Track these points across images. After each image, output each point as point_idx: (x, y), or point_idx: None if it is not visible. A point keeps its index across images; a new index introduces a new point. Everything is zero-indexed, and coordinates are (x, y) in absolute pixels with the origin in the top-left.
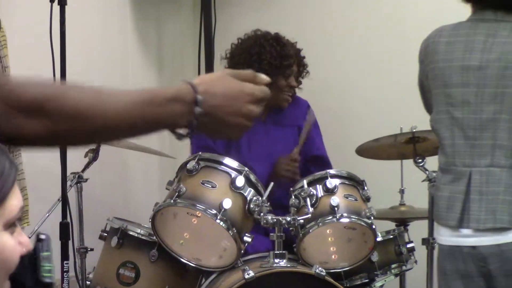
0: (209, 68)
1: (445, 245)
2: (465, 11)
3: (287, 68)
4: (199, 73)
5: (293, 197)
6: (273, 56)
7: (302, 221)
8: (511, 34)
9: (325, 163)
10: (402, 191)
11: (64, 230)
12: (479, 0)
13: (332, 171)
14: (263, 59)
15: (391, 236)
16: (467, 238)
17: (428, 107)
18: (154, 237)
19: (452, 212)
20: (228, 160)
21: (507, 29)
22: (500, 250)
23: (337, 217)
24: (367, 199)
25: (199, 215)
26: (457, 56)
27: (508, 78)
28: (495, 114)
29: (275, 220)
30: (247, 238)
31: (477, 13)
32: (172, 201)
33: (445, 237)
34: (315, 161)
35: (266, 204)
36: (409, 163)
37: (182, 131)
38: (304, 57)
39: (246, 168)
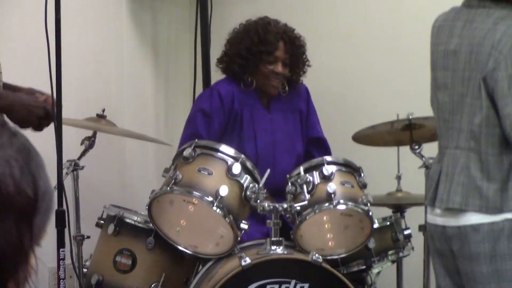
0: (206, 55)
1: (428, 223)
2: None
3: (267, 54)
4: (195, 61)
5: (289, 184)
6: (253, 42)
7: (298, 208)
8: (484, 20)
9: (324, 145)
10: (399, 177)
11: (60, 217)
12: None
13: (328, 158)
14: (242, 44)
15: (388, 223)
16: (439, 217)
17: None
18: (151, 225)
19: (429, 191)
20: (224, 147)
21: (482, 15)
22: (459, 232)
23: (334, 204)
24: (363, 186)
25: (196, 202)
26: (442, 41)
27: (473, 63)
28: (462, 98)
29: (271, 207)
30: (244, 225)
31: None
32: (168, 188)
33: (428, 215)
34: (314, 144)
35: (262, 191)
36: (405, 149)
37: None
38: (302, 45)
39: (242, 155)
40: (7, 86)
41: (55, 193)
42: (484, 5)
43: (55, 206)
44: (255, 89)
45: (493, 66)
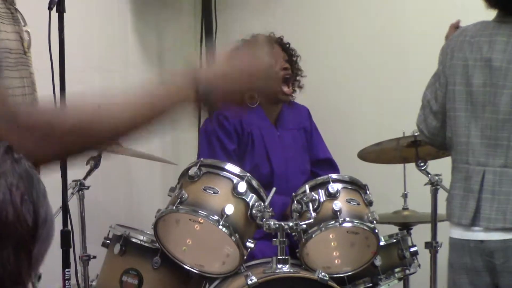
0: None
1: (454, 238)
2: (468, 15)
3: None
4: None
5: (295, 202)
6: None
7: (304, 226)
8: None
9: (333, 165)
10: (405, 195)
11: (65, 238)
12: (503, 7)
13: (334, 176)
14: None
15: (394, 240)
16: (477, 233)
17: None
18: (157, 244)
19: (466, 210)
20: (230, 166)
21: None
22: (506, 246)
23: (340, 221)
24: (369, 204)
25: (202, 221)
26: (481, 56)
27: None
28: (511, 115)
29: (277, 225)
30: (250, 244)
31: (500, 15)
32: (174, 207)
33: (456, 230)
34: (322, 165)
35: (268, 210)
36: (411, 166)
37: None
38: (289, 43)
39: (248, 174)
40: None
41: (59, 216)
42: None
43: (54, 234)
44: (260, 106)
45: None
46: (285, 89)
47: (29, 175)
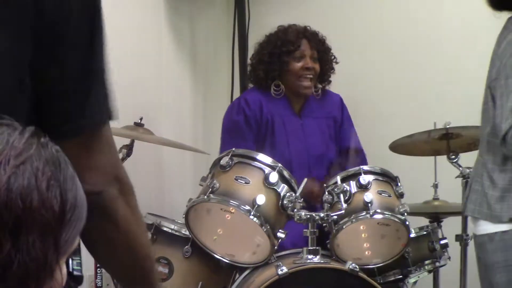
0: (243, 64)
1: None
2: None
3: (292, 52)
4: (232, 70)
5: (326, 193)
6: (275, 46)
7: (335, 217)
8: (504, 31)
9: (362, 156)
10: (435, 186)
11: None
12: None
13: (365, 167)
14: (265, 50)
15: (425, 233)
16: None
17: None
18: (188, 233)
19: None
20: (261, 156)
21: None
22: (477, 241)
23: (371, 213)
24: (400, 196)
25: (233, 211)
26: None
27: (488, 72)
28: (483, 106)
29: (308, 216)
30: (281, 234)
31: None
32: (205, 197)
33: None
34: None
35: (299, 200)
36: (443, 159)
37: None
38: (324, 40)
39: (280, 164)
40: None
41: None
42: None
43: (85, 217)
44: (285, 96)
45: (495, 75)
46: (306, 83)
47: (56, 159)
